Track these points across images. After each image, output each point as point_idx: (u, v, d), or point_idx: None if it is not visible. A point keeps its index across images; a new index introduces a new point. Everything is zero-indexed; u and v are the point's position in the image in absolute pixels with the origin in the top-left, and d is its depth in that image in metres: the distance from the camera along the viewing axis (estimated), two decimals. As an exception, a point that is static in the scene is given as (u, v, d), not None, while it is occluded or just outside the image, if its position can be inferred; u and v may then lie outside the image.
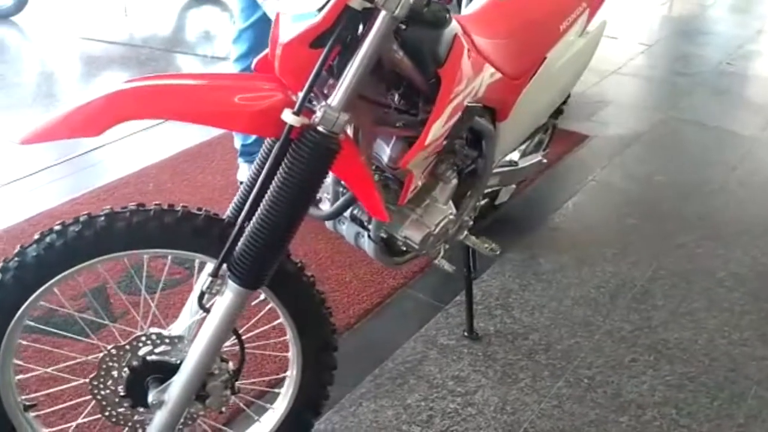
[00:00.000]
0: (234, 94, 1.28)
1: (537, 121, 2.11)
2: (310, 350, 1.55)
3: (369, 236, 1.77)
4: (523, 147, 2.49)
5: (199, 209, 1.42)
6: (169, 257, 1.45)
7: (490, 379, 2.02)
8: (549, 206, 2.84)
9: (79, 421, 1.58)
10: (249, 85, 1.31)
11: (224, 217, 1.45)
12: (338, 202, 1.69)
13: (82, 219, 1.35)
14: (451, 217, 1.81)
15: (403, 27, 1.39)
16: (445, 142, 1.53)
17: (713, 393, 1.99)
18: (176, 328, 1.54)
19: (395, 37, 1.39)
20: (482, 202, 2.50)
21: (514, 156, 2.49)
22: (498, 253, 2.04)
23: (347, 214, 1.78)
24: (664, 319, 2.26)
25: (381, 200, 1.47)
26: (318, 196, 1.78)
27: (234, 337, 1.46)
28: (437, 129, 1.42)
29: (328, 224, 1.85)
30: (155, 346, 1.43)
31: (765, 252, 2.59)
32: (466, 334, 2.17)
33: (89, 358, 1.54)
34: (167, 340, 1.44)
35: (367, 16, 1.26)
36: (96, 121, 1.22)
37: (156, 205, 1.39)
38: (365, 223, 1.76)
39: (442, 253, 1.98)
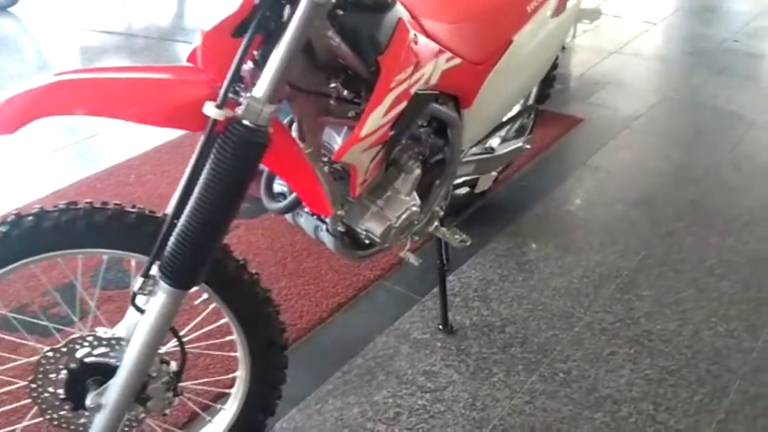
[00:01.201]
0: (157, 87, 1.23)
1: (507, 107, 2.03)
2: (258, 350, 1.51)
3: (327, 230, 1.72)
4: (503, 133, 2.41)
5: (134, 206, 1.38)
6: (105, 257, 1.41)
7: (462, 374, 1.95)
8: (537, 193, 2.76)
9: (25, 423, 1.54)
10: (174, 77, 1.25)
11: (160, 214, 1.39)
12: (292, 195, 1.63)
13: (9, 219, 1.31)
14: (414, 208, 1.75)
15: (341, 12, 1.33)
16: (392, 132, 1.46)
17: (694, 387, 1.91)
18: (120, 329, 1.49)
19: (331, 23, 1.32)
20: (462, 191, 2.44)
21: (494, 142, 2.42)
22: (468, 244, 1.97)
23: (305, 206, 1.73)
24: (648, 309, 2.18)
25: (324, 194, 1.41)
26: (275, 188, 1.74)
27: (174, 337, 1.42)
28: (375, 120, 1.36)
29: (288, 217, 1.79)
30: (93, 347, 1.39)
31: (759, 238, 2.49)
32: (440, 327, 2.11)
33: (31, 359, 1.50)
34: (105, 342, 1.39)
35: (293, 2, 1.20)
36: (9, 120, 1.18)
37: (87, 203, 1.35)
38: (323, 216, 1.70)
39: (408, 246, 1.92)
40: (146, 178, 2.86)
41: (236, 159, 1.22)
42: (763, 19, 4.62)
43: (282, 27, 1.20)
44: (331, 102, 1.41)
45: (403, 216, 1.71)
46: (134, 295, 1.32)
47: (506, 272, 2.34)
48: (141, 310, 1.34)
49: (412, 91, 1.45)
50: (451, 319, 2.13)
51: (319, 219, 1.72)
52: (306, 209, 1.76)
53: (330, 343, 2.06)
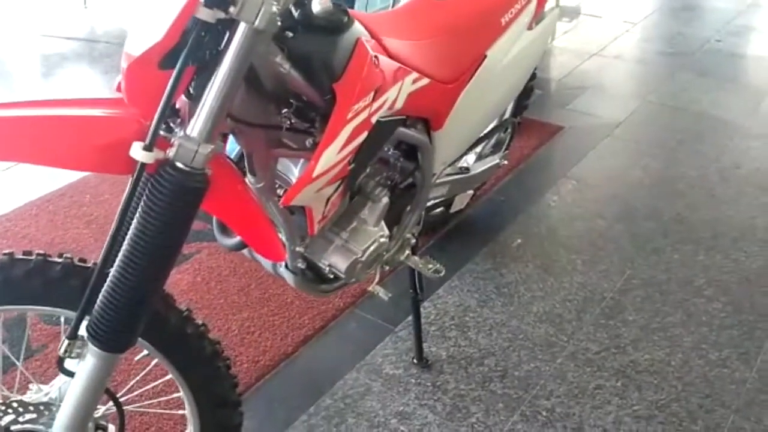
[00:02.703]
0: (76, 126, 1.07)
1: (482, 126, 1.88)
2: (207, 408, 1.36)
3: (286, 266, 1.57)
4: (479, 149, 2.27)
5: (60, 255, 1.22)
6: (29, 314, 1.25)
7: (438, 415, 1.81)
8: (515, 208, 2.62)
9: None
10: (97, 114, 1.09)
11: (91, 263, 1.24)
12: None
13: None
14: (383, 239, 1.61)
15: (290, 34, 1.18)
16: (351, 166, 1.31)
17: (685, 425, 1.78)
18: (53, 390, 1.34)
19: (280, 48, 1.18)
20: (437, 211, 2.30)
21: (470, 159, 2.28)
22: (442, 274, 1.82)
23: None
24: (634, 336, 2.05)
25: (275, 238, 1.26)
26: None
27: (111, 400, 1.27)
28: (329, 157, 1.21)
29: (245, 252, 1.64)
30: (19, 414, 1.23)
31: (749, 255, 2.37)
32: (415, 361, 1.97)
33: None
34: (32, 408, 1.24)
35: (231, 27, 1.05)
36: None
37: (5, 254, 1.19)
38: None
39: (377, 279, 1.77)
40: (103, 197, 2.69)
41: (170, 206, 1.06)
42: (746, 17, 4.51)
43: (219, 57, 1.05)
44: (283, 134, 1.26)
45: (371, 248, 1.57)
46: (61, 358, 1.17)
47: (485, 297, 2.20)
48: (70, 374, 1.19)
49: (374, 119, 1.30)
50: (426, 351, 1.99)
51: (278, 255, 1.58)
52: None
53: (295, 382, 1.92)
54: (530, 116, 3.20)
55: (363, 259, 1.56)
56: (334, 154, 1.21)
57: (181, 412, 1.40)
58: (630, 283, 2.25)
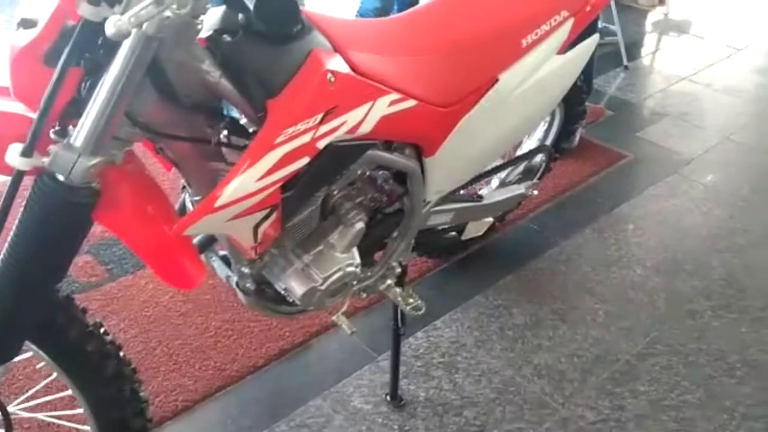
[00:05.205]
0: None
1: (491, 155, 1.68)
2: (107, 430, 1.25)
3: (237, 284, 1.44)
4: (503, 175, 2.07)
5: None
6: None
7: (396, 464, 1.65)
8: (546, 242, 2.39)
9: None
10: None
11: None
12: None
13: None
14: (350, 269, 1.45)
15: (227, 38, 1.04)
16: (288, 193, 1.15)
17: None
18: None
19: (212, 52, 1.03)
20: (448, 235, 2.11)
21: (494, 183, 2.08)
22: (421, 312, 1.65)
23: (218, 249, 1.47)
24: (641, 411, 1.81)
25: (186, 262, 1.13)
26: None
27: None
28: (243, 185, 1.05)
29: (202, 257, 1.52)
30: None
31: (801, 336, 2.07)
32: (388, 398, 1.81)
33: None
34: None
35: (126, 27, 0.91)
36: None
37: None
38: (233, 266, 1.43)
39: (344, 308, 1.62)
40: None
41: (48, 221, 0.95)
42: None
43: (108, 61, 0.91)
44: (217, 147, 1.12)
45: (333, 277, 1.42)
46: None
47: (485, 336, 2.01)
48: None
49: (321, 144, 1.13)
50: (403, 388, 1.83)
51: (230, 268, 1.45)
52: (220, 252, 1.50)
53: (256, 399, 1.79)
54: (592, 139, 2.96)
55: (322, 287, 1.41)
56: (251, 181, 1.05)
57: (84, 427, 1.30)
58: (653, 348, 2.00)
